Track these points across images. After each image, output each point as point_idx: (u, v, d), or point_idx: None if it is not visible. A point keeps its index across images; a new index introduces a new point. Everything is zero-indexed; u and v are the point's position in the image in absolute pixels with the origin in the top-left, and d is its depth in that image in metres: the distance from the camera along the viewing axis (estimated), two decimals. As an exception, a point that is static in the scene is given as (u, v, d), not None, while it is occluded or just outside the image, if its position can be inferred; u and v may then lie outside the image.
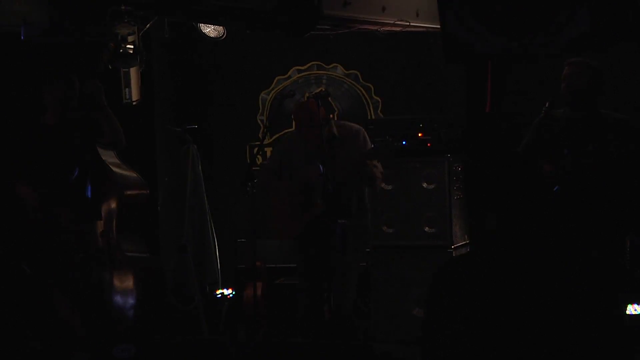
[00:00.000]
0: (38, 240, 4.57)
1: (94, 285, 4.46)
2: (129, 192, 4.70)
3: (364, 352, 3.86)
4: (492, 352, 2.34)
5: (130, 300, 4.56)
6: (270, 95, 7.17)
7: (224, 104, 7.25)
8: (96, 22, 5.19)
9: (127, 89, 5.62)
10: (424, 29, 5.85)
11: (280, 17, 5.17)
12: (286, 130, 6.54)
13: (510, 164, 2.37)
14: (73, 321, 4.46)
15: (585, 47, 4.81)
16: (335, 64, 7.02)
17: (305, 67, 7.08)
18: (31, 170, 4.58)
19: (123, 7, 5.17)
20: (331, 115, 5.04)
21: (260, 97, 7.19)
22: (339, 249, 4.75)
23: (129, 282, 4.59)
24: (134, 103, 5.66)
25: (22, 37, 5.25)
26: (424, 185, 5.68)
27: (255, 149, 6.76)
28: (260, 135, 7.05)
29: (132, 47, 5.31)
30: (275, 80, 7.17)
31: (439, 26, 5.26)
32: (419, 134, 5.77)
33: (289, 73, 7.12)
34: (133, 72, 5.63)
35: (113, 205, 4.60)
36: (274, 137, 6.89)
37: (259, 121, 7.18)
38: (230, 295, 6.40)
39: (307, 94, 6.79)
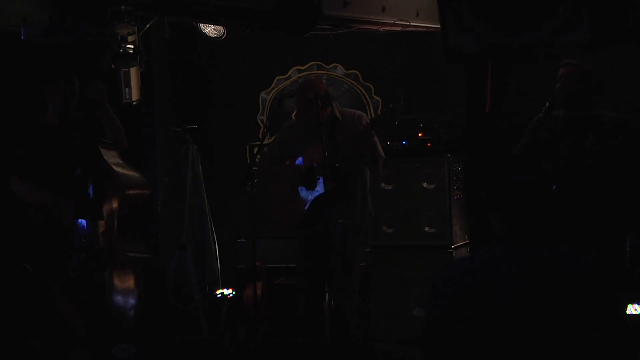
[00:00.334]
0: (39, 240, 4.57)
1: (95, 285, 4.46)
2: (130, 192, 4.69)
3: (364, 352, 3.86)
4: (492, 352, 2.34)
5: (131, 300, 4.56)
6: (270, 95, 7.17)
7: (224, 104, 7.25)
8: (96, 22, 5.19)
9: (127, 89, 5.62)
10: (424, 29, 5.85)
11: (280, 17, 5.17)
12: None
13: (506, 165, 2.38)
14: (73, 321, 4.46)
15: (585, 47, 4.82)
16: (335, 64, 7.02)
17: (305, 67, 7.08)
18: (32, 170, 4.58)
19: (123, 7, 5.17)
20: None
21: (260, 97, 7.19)
22: (339, 249, 4.75)
23: (130, 282, 4.58)
24: (134, 103, 5.65)
25: (22, 37, 5.26)
26: (424, 185, 5.69)
27: (255, 149, 6.75)
28: (260, 135, 7.04)
29: (132, 47, 5.30)
30: (275, 80, 7.17)
31: (439, 26, 5.28)
32: (419, 134, 5.78)
33: (289, 73, 7.12)
34: (133, 72, 5.62)
35: (114, 205, 4.59)
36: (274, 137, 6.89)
37: (259, 121, 7.18)
38: (230, 295, 6.40)
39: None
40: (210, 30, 6.11)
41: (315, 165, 4.88)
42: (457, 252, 5.63)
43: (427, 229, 5.66)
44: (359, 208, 5.03)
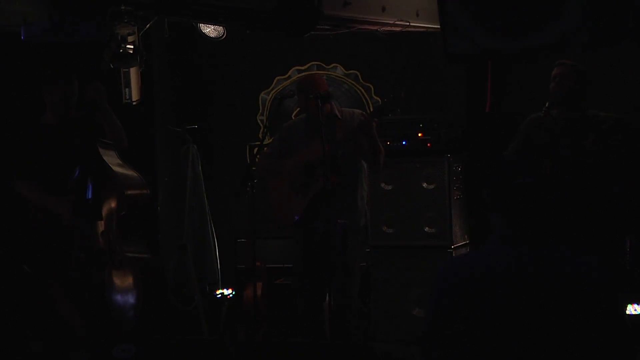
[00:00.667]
0: (38, 240, 4.57)
1: (95, 285, 4.45)
2: (129, 192, 4.68)
3: (364, 352, 3.85)
4: (492, 352, 2.34)
5: (131, 300, 4.55)
6: (270, 95, 7.17)
7: (223, 104, 7.25)
8: (96, 22, 5.19)
9: (127, 89, 5.62)
10: (424, 29, 5.85)
11: (280, 17, 5.17)
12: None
13: (506, 166, 2.37)
14: (73, 321, 4.45)
15: (585, 47, 4.81)
16: (335, 64, 7.02)
17: (305, 67, 7.08)
18: (32, 170, 4.58)
19: (123, 7, 5.17)
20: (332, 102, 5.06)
21: (260, 97, 7.19)
22: (339, 249, 4.74)
23: (129, 282, 4.58)
24: (134, 103, 5.66)
25: (22, 37, 5.26)
26: (424, 185, 5.69)
27: (255, 149, 6.74)
28: (260, 135, 7.04)
29: (132, 47, 5.30)
30: (275, 80, 7.17)
31: (438, 26, 5.27)
32: (419, 134, 5.78)
33: (289, 73, 7.13)
34: (133, 72, 5.63)
35: (113, 205, 4.59)
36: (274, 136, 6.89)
37: (259, 121, 7.18)
38: (230, 295, 6.40)
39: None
40: (210, 30, 6.11)
41: (313, 164, 4.88)
42: (457, 252, 5.63)
43: (427, 229, 5.66)
44: (359, 207, 5.03)
